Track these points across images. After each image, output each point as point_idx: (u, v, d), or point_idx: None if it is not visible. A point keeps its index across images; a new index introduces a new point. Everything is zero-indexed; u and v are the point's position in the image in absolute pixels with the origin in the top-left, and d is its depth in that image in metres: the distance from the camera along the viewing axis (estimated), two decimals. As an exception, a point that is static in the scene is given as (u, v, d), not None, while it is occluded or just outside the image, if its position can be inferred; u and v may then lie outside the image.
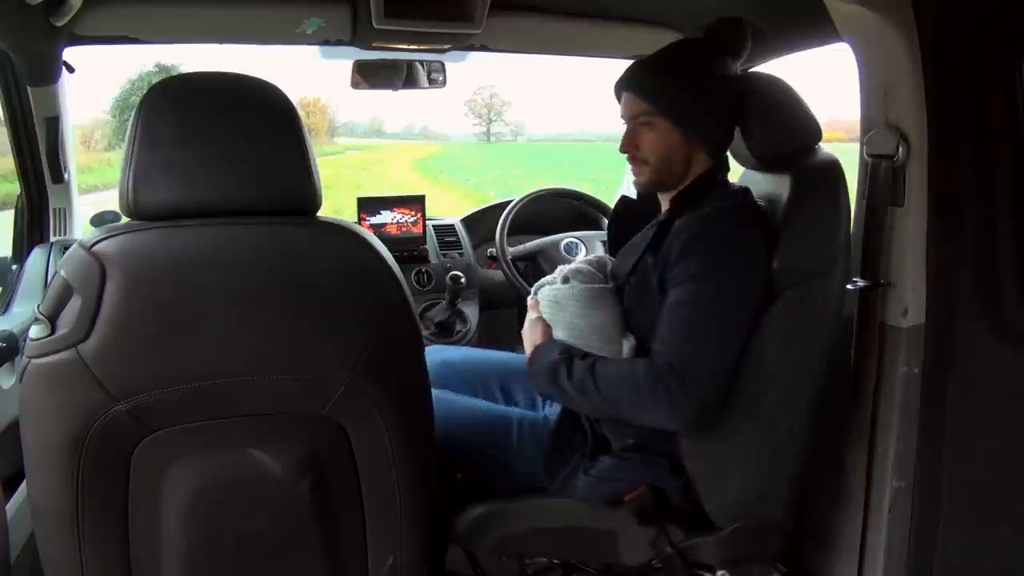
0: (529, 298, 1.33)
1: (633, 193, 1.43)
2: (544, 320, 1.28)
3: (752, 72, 1.35)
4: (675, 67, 1.26)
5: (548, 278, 1.32)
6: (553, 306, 1.27)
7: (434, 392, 1.21)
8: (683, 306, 1.15)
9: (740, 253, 1.17)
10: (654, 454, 1.23)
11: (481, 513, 1.30)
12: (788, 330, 1.18)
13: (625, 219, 1.41)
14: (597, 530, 1.28)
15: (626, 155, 1.29)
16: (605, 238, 2.03)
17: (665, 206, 1.30)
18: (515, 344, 2.13)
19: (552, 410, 1.40)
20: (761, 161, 1.29)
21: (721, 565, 1.26)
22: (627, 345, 1.22)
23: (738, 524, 1.23)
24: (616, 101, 1.32)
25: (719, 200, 1.23)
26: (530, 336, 1.29)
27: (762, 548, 1.29)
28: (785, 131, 1.25)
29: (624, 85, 1.28)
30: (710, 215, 1.20)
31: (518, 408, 1.43)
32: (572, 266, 1.31)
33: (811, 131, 1.26)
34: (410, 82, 1.90)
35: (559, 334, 1.26)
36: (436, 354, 1.54)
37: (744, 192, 1.27)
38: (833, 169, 1.24)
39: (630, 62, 1.33)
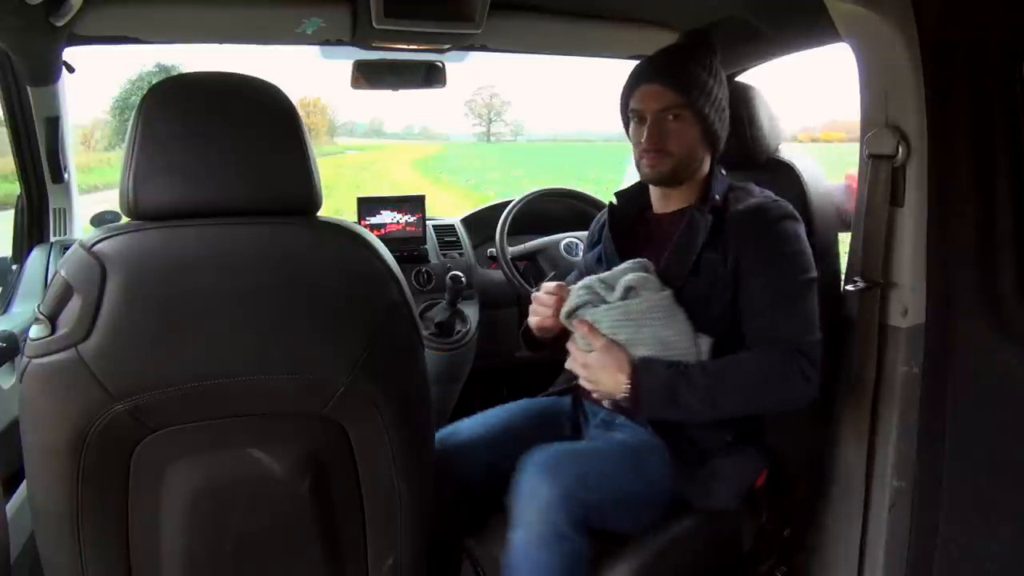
0: (578, 325, 1.22)
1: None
2: (616, 343, 1.20)
3: (736, 81, 1.43)
4: (704, 63, 1.29)
5: (581, 298, 1.23)
6: (630, 325, 1.19)
7: (551, 448, 1.21)
8: (783, 289, 1.22)
9: (803, 237, 1.27)
10: (743, 444, 1.28)
11: (645, 560, 1.21)
12: None
13: (621, 217, 1.42)
14: (737, 528, 1.30)
15: (645, 147, 1.29)
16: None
17: (675, 202, 1.34)
18: (515, 344, 2.13)
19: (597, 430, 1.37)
20: (752, 161, 1.42)
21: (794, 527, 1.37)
22: (705, 344, 1.20)
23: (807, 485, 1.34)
24: (629, 89, 1.32)
25: (755, 194, 1.31)
26: (610, 363, 1.19)
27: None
28: (773, 136, 1.41)
29: (658, 75, 1.28)
30: (765, 205, 1.27)
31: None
32: (630, 277, 1.22)
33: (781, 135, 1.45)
34: (410, 82, 1.90)
35: (641, 351, 1.19)
36: (449, 439, 1.37)
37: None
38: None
39: (630, 62, 1.34)
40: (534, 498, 1.14)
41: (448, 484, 1.28)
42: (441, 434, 1.36)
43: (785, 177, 1.54)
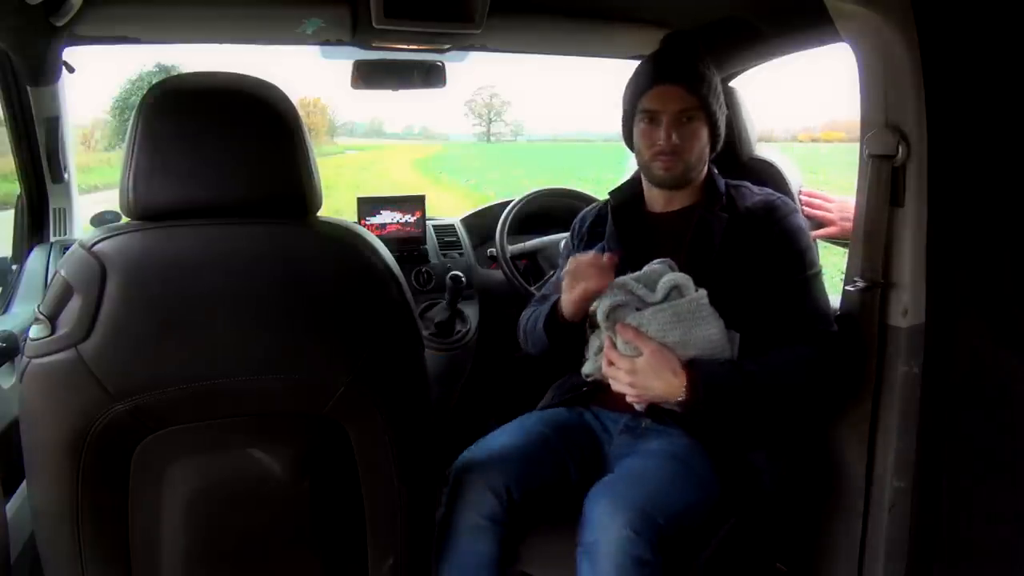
0: (621, 330, 1.18)
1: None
2: (665, 345, 1.16)
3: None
4: (708, 63, 1.32)
5: (617, 296, 1.18)
6: (681, 326, 1.16)
7: (611, 479, 1.18)
8: (802, 284, 1.27)
9: (808, 231, 1.33)
10: (763, 438, 1.32)
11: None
12: None
13: (622, 216, 1.41)
14: (767, 521, 1.33)
15: (663, 148, 1.29)
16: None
17: (678, 201, 1.36)
18: (515, 344, 2.13)
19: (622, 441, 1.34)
20: (734, 162, 1.49)
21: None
22: (736, 340, 1.21)
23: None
24: (641, 89, 1.32)
25: (755, 191, 1.35)
26: (662, 367, 1.15)
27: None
28: (753, 136, 1.52)
29: (676, 76, 1.28)
30: (774, 202, 1.32)
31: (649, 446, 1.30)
32: (673, 276, 1.18)
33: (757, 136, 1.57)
34: (410, 82, 1.90)
35: (692, 352, 1.16)
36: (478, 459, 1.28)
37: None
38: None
39: (630, 62, 1.35)
40: (608, 530, 1.10)
41: (480, 507, 1.22)
42: (471, 454, 1.29)
43: (770, 176, 1.57)
